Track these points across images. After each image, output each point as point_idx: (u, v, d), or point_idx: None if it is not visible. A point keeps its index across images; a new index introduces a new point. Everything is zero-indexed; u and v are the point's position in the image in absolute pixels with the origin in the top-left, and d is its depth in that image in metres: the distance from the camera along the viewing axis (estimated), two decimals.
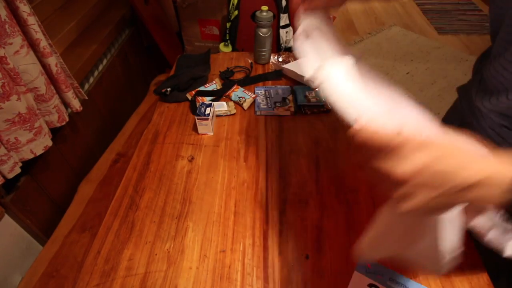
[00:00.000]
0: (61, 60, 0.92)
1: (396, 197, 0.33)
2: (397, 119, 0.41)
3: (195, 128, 0.98)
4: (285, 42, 1.32)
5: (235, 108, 1.04)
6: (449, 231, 0.38)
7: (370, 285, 0.62)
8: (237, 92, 1.10)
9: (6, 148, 0.76)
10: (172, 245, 0.72)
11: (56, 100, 0.89)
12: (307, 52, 0.62)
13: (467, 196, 0.32)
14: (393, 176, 0.32)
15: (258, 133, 0.97)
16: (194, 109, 1.02)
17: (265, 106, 1.04)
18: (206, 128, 0.95)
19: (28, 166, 0.86)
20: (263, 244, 0.72)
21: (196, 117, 0.94)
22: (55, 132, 0.94)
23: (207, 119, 0.93)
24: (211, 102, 1.00)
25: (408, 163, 0.32)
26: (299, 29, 0.62)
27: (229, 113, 1.02)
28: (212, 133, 0.96)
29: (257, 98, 1.07)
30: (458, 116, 0.71)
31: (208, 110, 0.94)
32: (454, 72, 2.29)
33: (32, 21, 0.80)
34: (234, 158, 0.90)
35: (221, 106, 1.02)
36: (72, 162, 1.09)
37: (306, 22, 0.65)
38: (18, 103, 0.74)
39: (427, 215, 0.36)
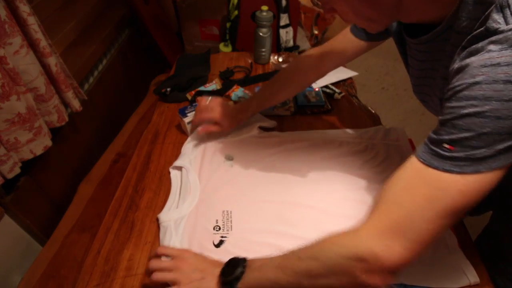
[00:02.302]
0: (61, 60, 0.92)
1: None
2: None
3: None
4: (285, 42, 1.32)
5: None
6: None
7: None
8: (237, 92, 1.10)
9: (5, 148, 0.76)
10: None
11: (56, 100, 0.89)
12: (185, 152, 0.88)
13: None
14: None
15: None
16: None
17: None
18: (183, 127, 0.95)
19: (28, 166, 0.86)
20: None
21: (179, 112, 0.93)
22: (55, 132, 0.94)
23: (183, 121, 0.92)
24: None
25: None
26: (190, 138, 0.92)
27: None
28: (188, 135, 0.95)
29: None
30: None
31: (190, 114, 0.93)
32: None
33: (32, 21, 0.80)
34: None
35: None
36: (72, 162, 1.09)
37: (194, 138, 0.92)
38: (18, 103, 0.74)
39: None
